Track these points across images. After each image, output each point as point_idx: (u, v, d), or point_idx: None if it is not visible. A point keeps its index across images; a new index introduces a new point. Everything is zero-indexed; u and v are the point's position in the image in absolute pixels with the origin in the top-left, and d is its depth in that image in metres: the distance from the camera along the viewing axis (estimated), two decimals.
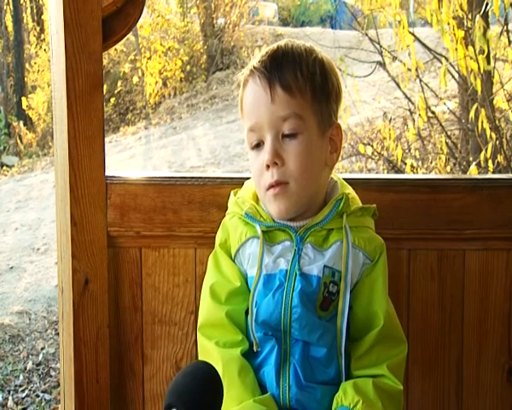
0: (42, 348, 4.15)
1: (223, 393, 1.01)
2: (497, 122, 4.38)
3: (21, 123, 12.84)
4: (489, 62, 4.09)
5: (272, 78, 1.28)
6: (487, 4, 4.00)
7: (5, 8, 14.68)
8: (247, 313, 1.35)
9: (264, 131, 1.29)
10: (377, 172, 6.22)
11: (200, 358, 1.36)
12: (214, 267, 1.39)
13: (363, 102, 6.86)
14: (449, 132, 5.33)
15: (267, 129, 1.29)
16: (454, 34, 4.01)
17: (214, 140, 9.74)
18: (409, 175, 4.75)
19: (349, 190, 1.39)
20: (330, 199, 1.35)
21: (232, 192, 1.44)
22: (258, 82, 1.30)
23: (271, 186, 1.29)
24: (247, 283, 1.36)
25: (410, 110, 5.57)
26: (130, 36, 11.46)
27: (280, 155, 1.28)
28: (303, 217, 1.33)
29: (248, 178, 1.45)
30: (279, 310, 1.29)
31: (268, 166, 1.28)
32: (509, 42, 4.35)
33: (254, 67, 1.32)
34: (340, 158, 1.47)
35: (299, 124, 1.28)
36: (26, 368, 3.92)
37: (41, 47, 14.57)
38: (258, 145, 1.31)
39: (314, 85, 1.30)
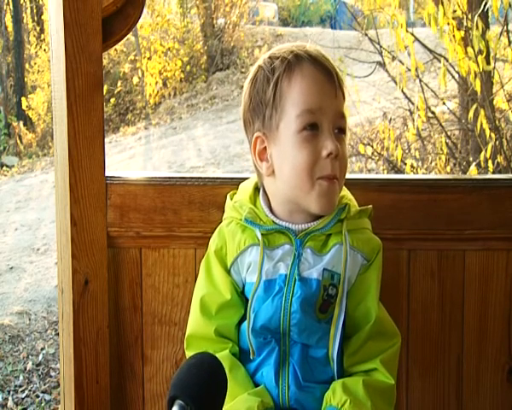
0: (42, 349, 4.15)
1: (227, 384, 1.00)
2: (496, 122, 4.38)
3: (21, 123, 12.85)
4: (489, 63, 4.09)
5: (332, 73, 1.29)
6: (486, 4, 4.00)
7: (5, 8, 14.68)
8: (239, 323, 1.35)
9: (323, 118, 1.27)
10: (377, 173, 6.22)
11: None
12: (206, 276, 1.38)
13: (363, 103, 6.87)
14: (449, 132, 5.33)
15: (330, 118, 1.28)
16: (453, 35, 4.01)
17: (214, 140, 9.74)
18: (409, 175, 4.75)
19: (345, 191, 1.39)
20: None
21: (228, 196, 1.42)
22: (321, 69, 1.28)
23: (329, 178, 1.27)
24: (239, 294, 1.35)
25: (409, 110, 5.57)
26: (130, 36, 11.46)
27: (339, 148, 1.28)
28: (304, 220, 1.32)
29: (248, 179, 1.44)
30: (278, 315, 1.28)
31: (329, 155, 1.26)
32: (509, 42, 4.35)
33: (310, 56, 1.29)
34: None
35: (346, 123, 1.32)
36: (25, 368, 3.92)
37: (41, 47, 14.57)
38: (314, 127, 1.27)
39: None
